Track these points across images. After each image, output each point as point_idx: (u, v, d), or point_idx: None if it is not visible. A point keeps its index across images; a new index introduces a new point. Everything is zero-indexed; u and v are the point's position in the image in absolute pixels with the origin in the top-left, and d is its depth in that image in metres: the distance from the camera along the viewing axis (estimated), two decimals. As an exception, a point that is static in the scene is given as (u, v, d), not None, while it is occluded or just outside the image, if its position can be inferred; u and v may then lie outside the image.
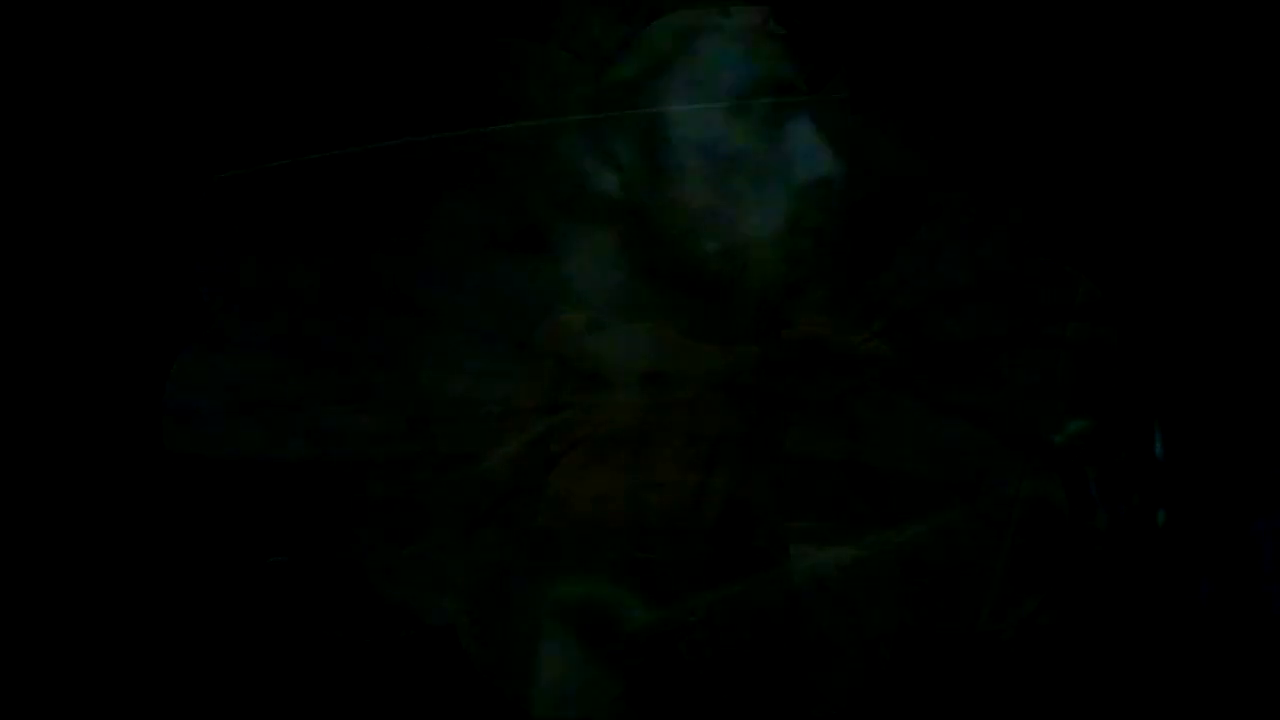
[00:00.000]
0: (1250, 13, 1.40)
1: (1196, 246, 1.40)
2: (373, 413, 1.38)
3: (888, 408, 1.35)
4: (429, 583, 1.34)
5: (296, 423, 1.38)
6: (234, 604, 1.37)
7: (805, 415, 1.36)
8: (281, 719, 1.35)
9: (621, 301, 1.37)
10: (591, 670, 1.30)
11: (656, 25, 1.37)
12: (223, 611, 1.37)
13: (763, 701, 1.31)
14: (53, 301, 1.44)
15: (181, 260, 1.41)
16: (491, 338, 1.37)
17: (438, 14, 1.42)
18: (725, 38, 1.37)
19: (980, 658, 1.29)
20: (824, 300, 1.37)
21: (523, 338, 1.37)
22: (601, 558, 1.33)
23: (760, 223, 1.36)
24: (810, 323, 1.37)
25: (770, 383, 1.37)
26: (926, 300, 1.36)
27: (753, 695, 1.31)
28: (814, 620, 1.31)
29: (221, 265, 1.41)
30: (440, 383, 1.37)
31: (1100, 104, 1.41)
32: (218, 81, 1.44)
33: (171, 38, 1.45)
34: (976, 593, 1.30)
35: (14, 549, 1.40)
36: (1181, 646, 1.33)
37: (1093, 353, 1.35)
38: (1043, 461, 1.25)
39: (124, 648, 1.39)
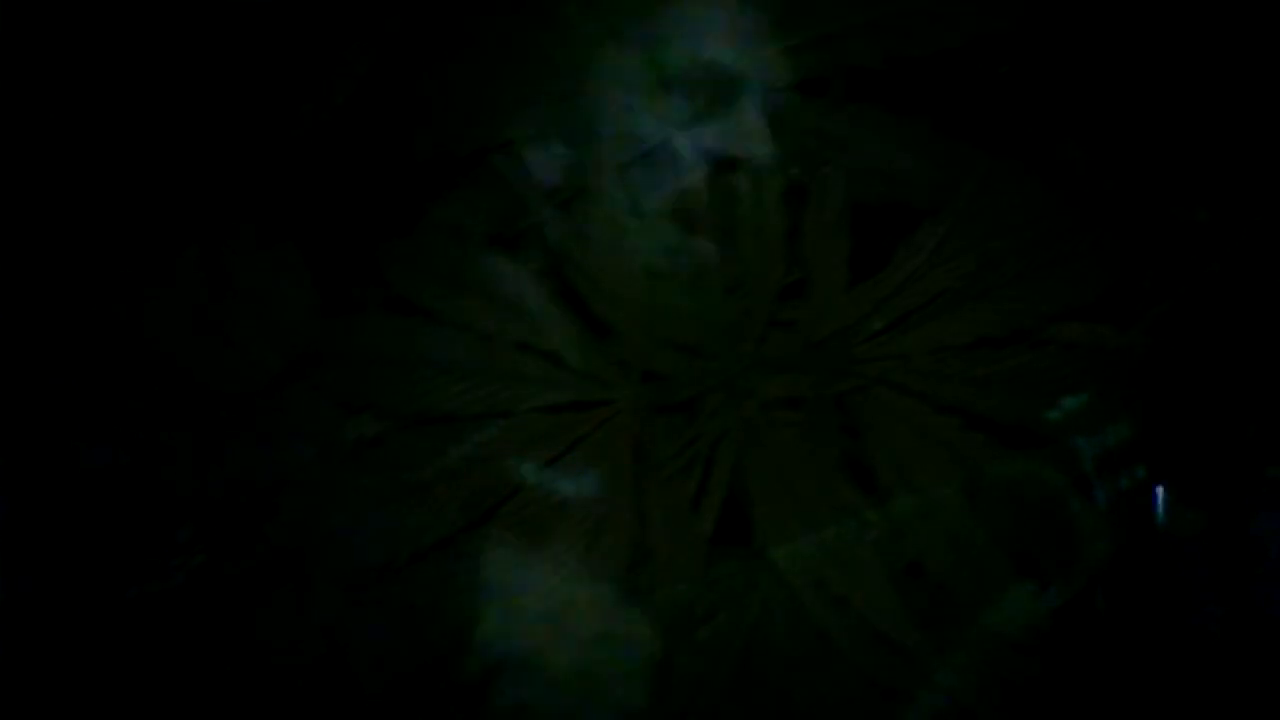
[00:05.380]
0: (1250, 13, 1.40)
1: (1195, 247, 1.40)
2: (372, 413, 1.38)
3: (888, 408, 1.35)
4: (431, 583, 1.34)
5: (294, 422, 1.39)
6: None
7: (804, 415, 1.36)
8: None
9: (622, 301, 1.37)
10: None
11: None
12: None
13: (763, 701, 1.31)
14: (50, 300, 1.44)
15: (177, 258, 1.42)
16: (491, 338, 1.37)
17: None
18: None
19: (979, 656, 1.29)
20: (824, 300, 1.37)
21: (522, 338, 1.37)
22: (602, 557, 1.33)
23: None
24: (811, 323, 1.37)
25: (770, 383, 1.37)
26: (927, 300, 1.36)
27: (751, 694, 1.32)
28: (814, 620, 1.31)
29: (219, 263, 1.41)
30: (440, 383, 1.37)
31: (1100, 103, 1.41)
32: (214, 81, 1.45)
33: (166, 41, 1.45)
34: (975, 590, 1.30)
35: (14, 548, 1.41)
36: (1181, 649, 1.33)
37: (1093, 352, 1.35)
38: (1039, 452, 1.25)
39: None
